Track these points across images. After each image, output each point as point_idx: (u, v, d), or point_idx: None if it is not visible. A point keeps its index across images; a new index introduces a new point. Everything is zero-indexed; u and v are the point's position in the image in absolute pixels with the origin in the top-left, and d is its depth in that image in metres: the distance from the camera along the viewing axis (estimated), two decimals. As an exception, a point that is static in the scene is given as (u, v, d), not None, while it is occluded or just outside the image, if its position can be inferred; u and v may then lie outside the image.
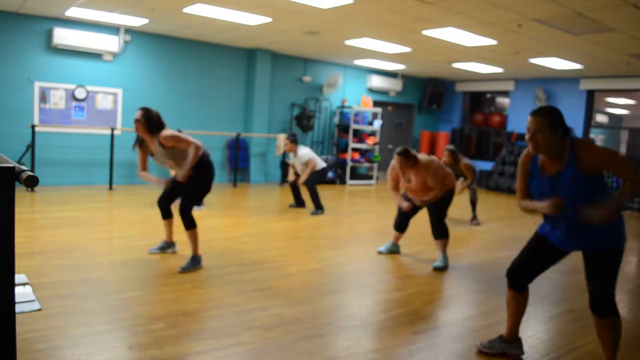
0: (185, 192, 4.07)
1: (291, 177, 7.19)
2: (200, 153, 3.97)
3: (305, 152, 7.06)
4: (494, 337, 2.89)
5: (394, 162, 4.46)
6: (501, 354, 2.78)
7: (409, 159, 4.33)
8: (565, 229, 2.48)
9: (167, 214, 4.35)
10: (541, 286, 4.13)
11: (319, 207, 7.02)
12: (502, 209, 8.70)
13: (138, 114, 3.92)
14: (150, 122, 3.91)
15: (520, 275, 2.67)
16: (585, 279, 2.52)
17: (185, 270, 3.98)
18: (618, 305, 2.48)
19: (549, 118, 2.37)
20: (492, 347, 2.81)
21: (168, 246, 4.48)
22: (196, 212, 6.42)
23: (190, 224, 4.05)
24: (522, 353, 2.79)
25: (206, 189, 4.17)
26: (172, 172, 4.17)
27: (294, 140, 7.02)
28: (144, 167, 4.17)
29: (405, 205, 4.60)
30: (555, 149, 2.39)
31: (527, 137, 2.42)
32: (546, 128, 2.35)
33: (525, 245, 2.70)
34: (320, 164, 7.13)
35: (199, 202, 4.46)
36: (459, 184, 6.83)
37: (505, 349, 2.78)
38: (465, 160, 6.76)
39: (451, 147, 6.83)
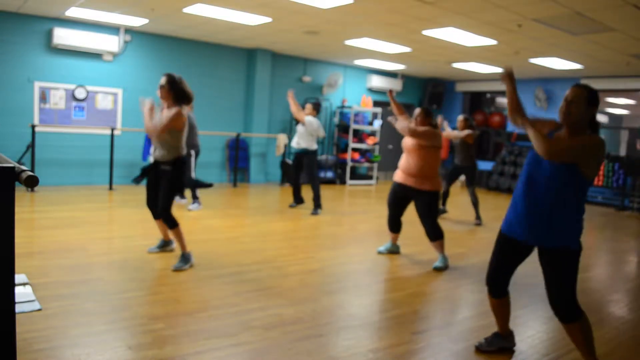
0: (163, 195, 4.08)
1: (291, 102, 7.15)
2: (165, 129, 3.94)
3: (317, 121, 7.08)
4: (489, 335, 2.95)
5: (414, 115, 4.69)
6: (499, 350, 2.86)
7: (427, 116, 4.58)
8: (523, 210, 2.52)
9: (158, 215, 4.36)
10: (541, 286, 4.11)
11: (318, 207, 7.03)
12: (502, 209, 8.70)
13: (163, 80, 3.97)
14: (174, 86, 3.95)
15: (498, 281, 2.73)
16: (545, 287, 2.56)
17: (177, 269, 3.99)
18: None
19: (588, 94, 2.44)
20: (492, 344, 2.87)
21: (165, 244, 4.50)
22: (195, 212, 6.44)
23: (172, 224, 4.08)
24: (514, 344, 2.91)
25: (183, 184, 4.22)
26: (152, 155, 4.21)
27: (315, 108, 7.16)
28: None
29: (392, 120, 4.73)
30: (579, 127, 2.45)
31: (562, 105, 2.47)
32: (583, 101, 2.42)
33: (493, 250, 2.76)
34: (315, 145, 7.16)
35: (181, 195, 4.50)
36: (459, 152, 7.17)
37: (503, 343, 2.87)
38: (475, 131, 7.16)
39: (466, 115, 7.44)
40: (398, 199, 4.75)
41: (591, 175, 2.40)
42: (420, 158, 4.48)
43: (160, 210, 4.09)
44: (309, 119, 7.00)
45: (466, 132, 7.01)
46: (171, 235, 4.16)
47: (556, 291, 2.48)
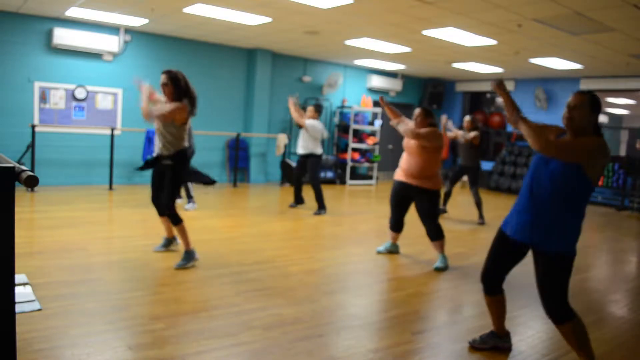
0: (166, 191, 4.09)
1: (292, 110, 7.11)
2: (160, 118, 3.95)
3: (319, 123, 7.06)
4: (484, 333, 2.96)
5: (414, 116, 4.66)
6: (494, 348, 2.87)
7: (427, 117, 4.57)
8: (526, 211, 2.53)
9: (162, 211, 4.37)
10: (541, 286, 4.13)
11: (322, 207, 7.03)
12: (502, 209, 8.69)
13: (164, 77, 3.96)
14: (177, 83, 3.95)
15: (493, 278, 2.75)
16: (537, 287, 2.58)
17: (180, 266, 4.00)
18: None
19: (590, 99, 2.45)
20: (486, 343, 2.88)
21: (170, 242, 4.52)
22: (193, 213, 6.44)
23: (176, 220, 4.09)
24: (511, 345, 2.91)
25: (185, 178, 4.24)
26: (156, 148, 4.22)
27: (317, 110, 7.16)
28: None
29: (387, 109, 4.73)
30: (582, 132, 2.45)
31: (565, 111, 2.49)
32: (585, 107, 2.44)
33: (490, 248, 2.78)
34: (320, 148, 7.15)
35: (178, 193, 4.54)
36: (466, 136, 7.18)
37: (497, 342, 2.88)
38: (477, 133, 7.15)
39: (472, 115, 7.44)
40: (400, 198, 4.74)
41: (596, 178, 2.40)
42: (421, 159, 4.49)
43: (164, 205, 4.10)
44: (311, 122, 6.98)
45: (473, 133, 7.04)
46: (175, 232, 4.16)
47: (548, 294, 2.51)
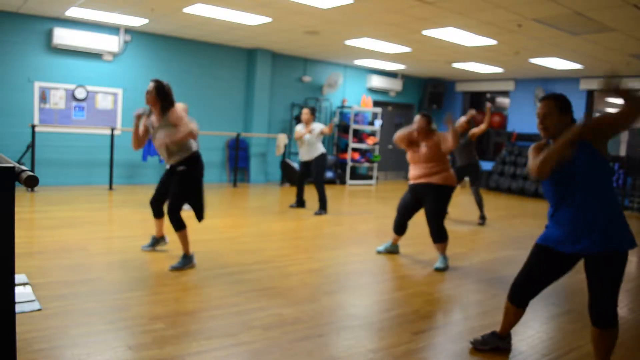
0: (174, 194, 4.05)
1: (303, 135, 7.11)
2: (189, 138, 3.99)
3: (318, 124, 7.07)
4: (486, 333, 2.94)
5: (414, 124, 4.56)
6: (494, 349, 2.85)
7: (430, 123, 4.50)
8: (587, 219, 2.36)
9: (159, 214, 4.35)
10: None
11: (323, 208, 7.02)
12: (502, 209, 8.70)
13: (150, 86, 3.95)
14: (161, 92, 3.94)
15: (526, 292, 2.64)
16: (587, 287, 2.45)
17: (175, 268, 3.98)
18: (618, 305, 2.48)
19: (557, 101, 2.43)
20: (487, 343, 2.86)
21: (158, 241, 4.51)
22: (192, 212, 6.43)
23: (179, 225, 4.04)
24: (510, 347, 2.88)
25: (196, 191, 4.15)
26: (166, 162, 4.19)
27: (313, 112, 7.14)
28: (140, 132, 4.10)
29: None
30: (561, 135, 2.40)
31: (538, 123, 2.46)
32: (555, 111, 2.41)
33: (529, 259, 2.62)
34: (323, 148, 7.16)
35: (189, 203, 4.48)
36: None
37: (499, 343, 2.86)
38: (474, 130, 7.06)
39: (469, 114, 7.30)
40: (411, 202, 4.69)
41: (605, 152, 2.36)
42: (430, 165, 4.49)
43: (169, 209, 4.03)
44: (313, 126, 7.00)
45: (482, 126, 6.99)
46: (177, 237, 4.10)
47: (602, 296, 2.36)
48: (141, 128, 4.09)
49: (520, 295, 2.65)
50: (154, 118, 4.04)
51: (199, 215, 4.23)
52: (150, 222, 5.58)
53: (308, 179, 7.28)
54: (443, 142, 4.44)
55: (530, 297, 2.64)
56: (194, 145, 4.10)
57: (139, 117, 4.06)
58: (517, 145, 11.24)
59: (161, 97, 3.94)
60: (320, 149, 7.08)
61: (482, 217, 7.03)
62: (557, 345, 3.02)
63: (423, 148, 4.50)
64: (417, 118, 4.55)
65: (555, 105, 2.42)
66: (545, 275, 2.58)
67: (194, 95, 9.23)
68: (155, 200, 4.29)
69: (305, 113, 7.12)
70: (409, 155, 4.65)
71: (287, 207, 7.48)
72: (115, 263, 4.10)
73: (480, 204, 7.03)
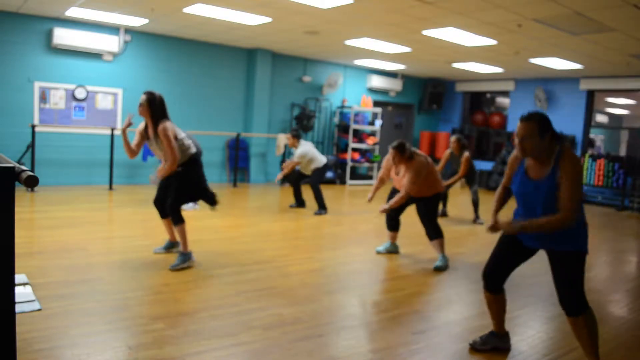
0: (174, 190, 4.09)
1: (286, 172, 7.12)
2: (174, 168, 4.00)
3: (302, 149, 7.00)
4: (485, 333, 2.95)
5: (389, 155, 4.58)
6: (494, 349, 2.86)
7: (403, 154, 4.46)
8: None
9: (164, 214, 4.36)
10: (541, 286, 4.13)
11: (322, 207, 7.03)
12: (502, 209, 8.69)
13: (142, 98, 3.96)
14: (152, 105, 3.94)
15: (496, 276, 2.75)
16: (553, 280, 2.59)
17: (174, 267, 3.99)
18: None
19: (537, 125, 2.43)
20: (487, 343, 2.87)
21: (172, 246, 4.49)
22: (193, 212, 6.44)
23: (177, 219, 4.07)
24: (509, 345, 2.91)
25: (196, 187, 4.17)
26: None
27: (295, 135, 7.05)
28: (132, 145, 4.11)
29: (382, 208, 4.61)
30: (542, 154, 2.47)
31: (516, 141, 2.51)
32: (534, 134, 2.43)
33: (496, 245, 2.79)
34: (321, 160, 7.11)
35: (194, 201, 4.50)
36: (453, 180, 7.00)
37: (498, 343, 2.88)
38: (466, 153, 6.86)
39: (459, 135, 7.00)
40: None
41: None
42: (415, 187, 4.52)
43: (170, 204, 4.06)
44: (298, 152, 6.95)
45: (465, 155, 6.83)
46: (175, 231, 4.13)
47: (564, 287, 2.51)
48: (133, 142, 4.12)
49: (492, 280, 2.76)
50: (149, 130, 4.05)
51: (212, 202, 4.23)
52: (151, 222, 5.60)
53: (305, 179, 7.29)
54: (417, 178, 4.43)
55: (501, 281, 2.76)
56: (192, 148, 4.11)
57: (124, 131, 4.07)
58: (517, 145, 11.22)
59: (152, 109, 3.95)
60: (319, 162, 7.06)
61: (477, 217, 7.05)
62: (557, 345, 3.02)
63: (403, 172, 4.58)
64: (389, 150, 4.55)
65: (535, 129, 2.43)
66: (510, 260, 2.74)
67: (194, 95, 9.24)
68: (158, 199, 4.30)
69: (288, 139, 7.10)
70: (394, 180, 4.72)
71: (287, 207, 7.49)
72: (115, 263, 4.10)
73: (475, 204, 7.05)
